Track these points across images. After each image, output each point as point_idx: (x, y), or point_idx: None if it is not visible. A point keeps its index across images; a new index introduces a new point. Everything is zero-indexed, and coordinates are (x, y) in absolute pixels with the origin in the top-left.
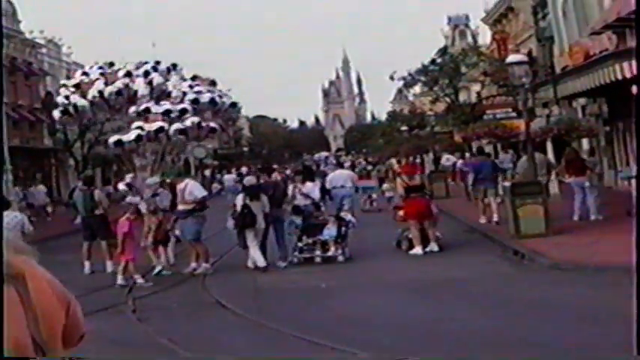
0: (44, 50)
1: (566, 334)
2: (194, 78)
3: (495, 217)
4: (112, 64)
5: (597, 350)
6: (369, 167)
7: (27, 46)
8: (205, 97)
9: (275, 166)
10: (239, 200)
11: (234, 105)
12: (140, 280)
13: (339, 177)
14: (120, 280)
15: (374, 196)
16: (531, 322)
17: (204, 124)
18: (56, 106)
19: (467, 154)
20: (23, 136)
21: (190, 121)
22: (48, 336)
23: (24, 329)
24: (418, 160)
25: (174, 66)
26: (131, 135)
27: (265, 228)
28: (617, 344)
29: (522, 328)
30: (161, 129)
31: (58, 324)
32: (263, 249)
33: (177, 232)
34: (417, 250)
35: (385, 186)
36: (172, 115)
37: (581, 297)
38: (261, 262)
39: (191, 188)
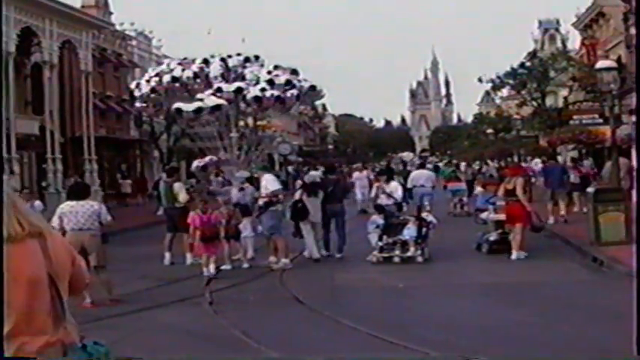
0: (134, 42)
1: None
2: (276, 67)
3: (562, 212)
4: (185, 59)
5: None
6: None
7: (117, 38)
8: (281, 79)
9: (360, 164)
10: (296, 195)
11: (313, 88)
12: (211, 271)
13: (420, 176)
14: (206, 271)
15: (465, 199)
16: (606, 328)
17: (286, 93)
18: (139, 96)
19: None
20: (110, 126)
21: (270, 92)
22: (60, 275)
23: (41, 268)
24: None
25: (257, 57)
26: (192, 106)
27: (327, 222)
28: None
29: (597, 334)
30: (239, 90)
31: (66, 268)
32: (326, 242)
33: (259, 227)
34: (517, 254)
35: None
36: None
37: None
38: (315, 254)
39: (266, 182)
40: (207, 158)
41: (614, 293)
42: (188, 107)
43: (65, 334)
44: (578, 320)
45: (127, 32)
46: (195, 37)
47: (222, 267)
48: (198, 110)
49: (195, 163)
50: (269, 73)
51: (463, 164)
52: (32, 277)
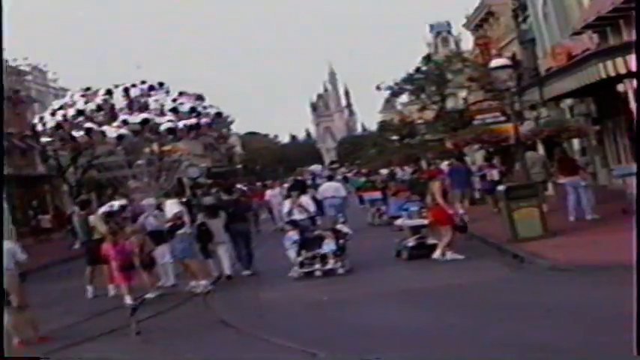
0: (30, 77)
1: (570, 334)
2: (181, 93)
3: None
4: (88, 89)
5: (603, 349)
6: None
7: (12, 74)
8: (185, 107)
9: (270, 182)
10: (198, 218)
11: (219, 114)
12: (128, 301)
13: (329, 188)
14: (127, 300)
15: (383, 208)
16: (534, 324)
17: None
18: (43, 132)
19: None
20: (16, 164)
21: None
22: None
23: None
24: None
25: (161, 84)
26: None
27: (235, 241)
28: (622, 342)
29: (525, 331)
30: (146, 121)
31: None
32: (248, 259)
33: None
34: (456, 255)
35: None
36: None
37: (583, 297)
38: (226, 271)
39: (169, 207)
40: (115, 204)
41: (538, 288)
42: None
43: None
44: (507, 318)
45: (21, 67)
46: (91, 66)
47: (146, 296)
48: (120, 137)
49: (102, 210)
50: (174, 100)
51: (384, 171)
52: None
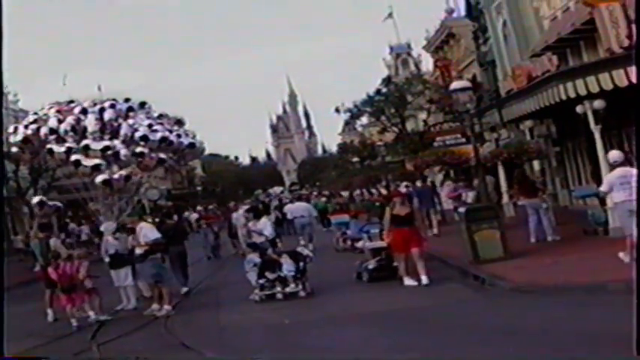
0: None
1: (532, 356)
2: (161, 116)
3: (435, 231)
4: (72, 102)
5: None
6: (323, 199)
7: None
8: (157, 135)
9: (232, 204)
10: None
11: (192, 145)
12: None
13: (298, 208)
14: (73, 322)
15: (349, 232)
16: (494, 346)
17: (152, 155)
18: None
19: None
20: None
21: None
22: None
23: None
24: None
25: (143, 104)
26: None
27: (173, 261)
28: None
29: (486, 353)
30: (97, 166)
31: None
32: (185, 278)
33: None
34: (410, 281)
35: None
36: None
37: (545, 318)
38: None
39: (145, 231)
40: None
41: (500, 310)
42: (87, 162)
43: None
44: (468, 340)
45: None
46: (50, 87)
47: (91, 318)
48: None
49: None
50: (149, 126)
51: (345, 193)
52: None
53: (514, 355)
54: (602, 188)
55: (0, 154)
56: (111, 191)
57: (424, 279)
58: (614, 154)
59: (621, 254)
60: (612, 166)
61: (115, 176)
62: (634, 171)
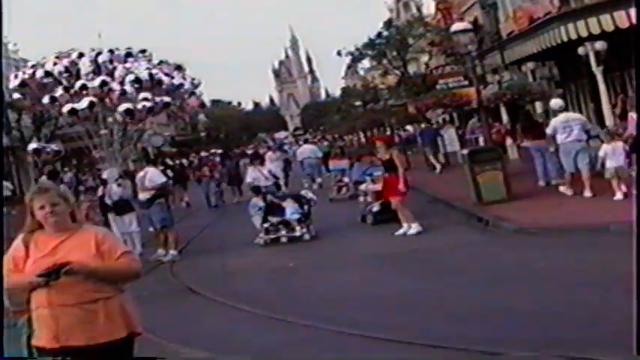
0: None
1: (535, 297)
2: (161, 63)
3: (438, 168)
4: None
5: (568, 310)
6: (326, 143)
7: None
8: (144, 75)
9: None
10: None
11: (192, 94)
12: None
13: (305, 150)
14: None
15: (345, 179)
16: (499, 287)
17: (156, 100)
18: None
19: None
20: None
21: (142, 104)
22: None
23: None
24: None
25: (143, 51)
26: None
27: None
28: (584, 305)
29: (490, 294)
30: (104, 84)
31: None
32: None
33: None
34: (414, 228)
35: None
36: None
37: (548, 259)
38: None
39: (151, 175)
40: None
41: (504, 252)
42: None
43: None
44: (472, 282)
45: None
46: (50, 38)
47: None
48: (73, 112)
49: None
50: (148, 69)
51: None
52: None
53: (516, 296)
54: (547, 131)
55: (0, 104)
56: (131, 120)
57: (405, 227)
58: (556, 102)
59: (562, 188)
60: (555, 112)
61: (139, 106)
62: (576, 116)
